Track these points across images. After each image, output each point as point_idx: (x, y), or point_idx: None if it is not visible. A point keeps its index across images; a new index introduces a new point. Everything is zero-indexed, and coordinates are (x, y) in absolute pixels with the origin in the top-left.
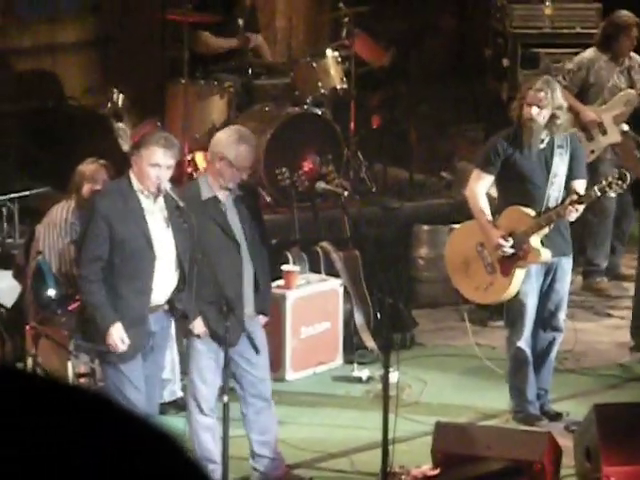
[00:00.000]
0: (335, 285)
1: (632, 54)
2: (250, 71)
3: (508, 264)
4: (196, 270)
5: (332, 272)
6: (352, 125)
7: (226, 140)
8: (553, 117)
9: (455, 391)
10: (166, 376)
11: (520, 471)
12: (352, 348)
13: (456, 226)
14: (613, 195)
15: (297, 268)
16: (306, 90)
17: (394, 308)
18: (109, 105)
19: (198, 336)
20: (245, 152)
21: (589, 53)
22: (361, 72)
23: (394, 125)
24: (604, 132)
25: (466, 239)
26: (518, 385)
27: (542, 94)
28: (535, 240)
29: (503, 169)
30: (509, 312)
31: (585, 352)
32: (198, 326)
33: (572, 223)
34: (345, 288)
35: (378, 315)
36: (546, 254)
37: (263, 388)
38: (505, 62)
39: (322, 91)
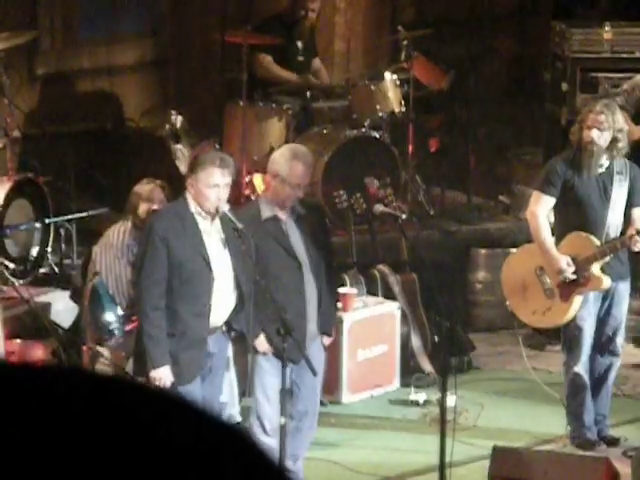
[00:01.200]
0: (392, 308)
1: None
2: (309, 94)
3: (568, 289)
4: (257, 289)
5: (389, 295)
6: (410, 148)
7: (280, 157)
8: (614, 141)
9: (512, 415)
10: (224, 399)
11: None
12: (409, 371)
13: (514, 250)
14: None
15: (354, 291)
16: (364, 113)
17: (451, 331)
18: (167, 127)
19: (263, 353)
20: (298, 169)
21: None
22: (419, 95)
23: (452, 149)
24: None
25: (525, 262)
26: (575, 410)
27: (603, 117)
28: (597, 267)
29: (562, 192)
30: (566, 337)
31: None
32: (262, 344)
33: (638, 253)
34: (402, 311)
35: (435, 338)
36: (607, 282)
37: (311, 407)
38: (564, 86)
39: (380, 114)
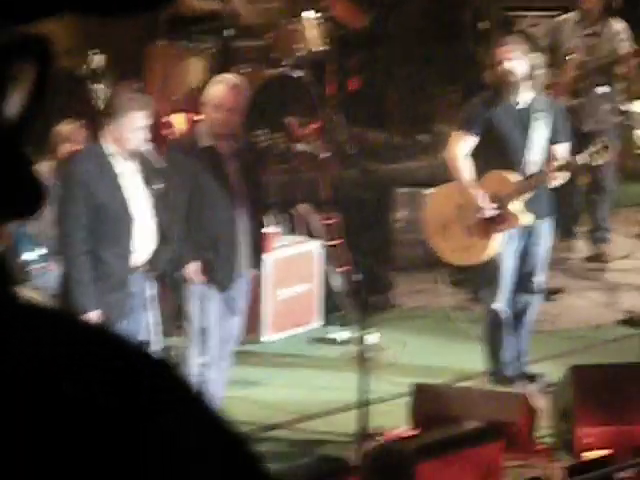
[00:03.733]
0: (313, 247)
1: (613, 20)
2: (228, 33)
3: (487, 227)
4: (190, 218)
5: (310, 234)
6: (330, 87)
7: (212, 85)
8: (532, 69)
9: (432, 353)
10: (147, 338)
11: (496, 432)
12: (330, 310)
13: (434, 189)
14: (596, 164)
15: (276, 230)
16: (284, 52)
17: (372, 270)
18: (86, 67)
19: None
20: (219, 89)
21: (564, 16)
22: (339, 34)
23: (372, 88)
24: None
25: (445, 201)
26: (494, 347)
27: (510, 46)
28: (516, 204)
29: (482, 131)
30: (486, 274)
31: (561, 314)
32: (192, 271)
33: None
34: (324, 250)
35: (356, 277)
36: (526, 219)
37: (231, 340)
38: (483, 25)
39: (300, 53)
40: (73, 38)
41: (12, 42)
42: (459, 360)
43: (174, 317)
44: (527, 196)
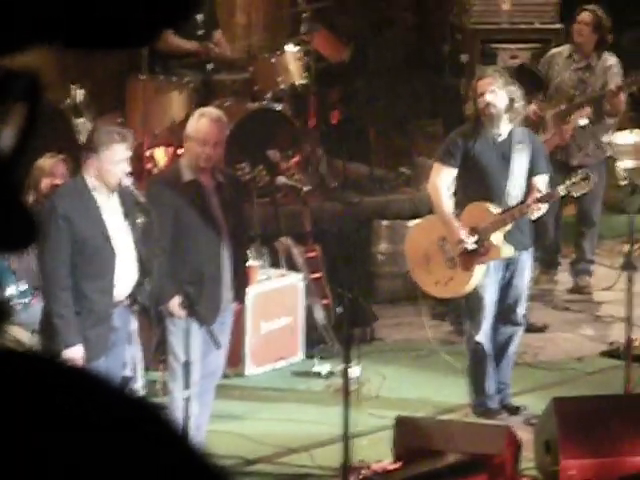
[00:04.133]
0: (295, 280)
1: (606, 54)
2: (209, 67)
3: (469, 259)
4: (175, 251)
5: (292, 267)
6: (311, 120)
7: (190, 120)
8: (511, 101)
9: (414, 385)
10: (128, 373)
11: (480, 465)
12: (312, 343)
13: (415, 221)
14: (577, 195)
15: (257, 263)
16: (265, 86)
17: (354, 303)
18: (68, 101)
19: (178, 317)
20: (203, 124)
21: (558, 48)
22: (320, 67)
23: (353, 121)
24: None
25: (427, 233)
26: (477, 379)
27: (490, 79)
28: (497, 236)
29: (463, 163)
30: (468, 306)
31: (544, 346)
32: (175, 306)
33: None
34: (306, 283)
35: (338, 310)
36: (507, 250)
37: (214, 373)
38: (463, 57)
39: (281, 86)
40: (54, 71)
41: (4, 78)
42: (441, 393)
43: (157, 351)
44: (508, 228)
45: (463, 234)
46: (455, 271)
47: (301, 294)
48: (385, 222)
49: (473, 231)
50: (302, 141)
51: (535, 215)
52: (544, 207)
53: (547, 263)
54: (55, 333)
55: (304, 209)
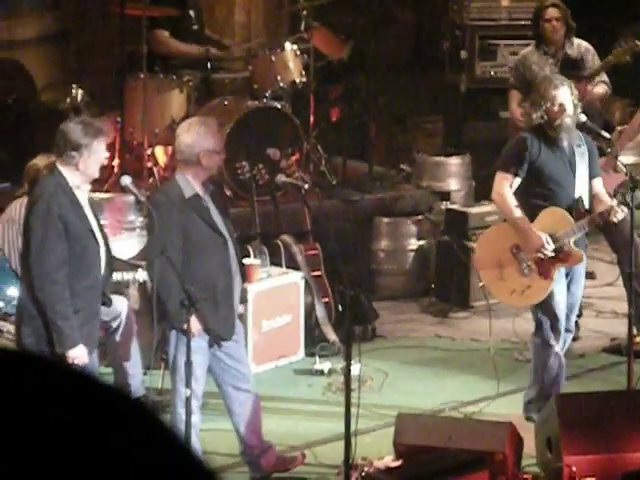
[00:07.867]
0: (296, 278)
1: (576, 41)
2: (209, 65)
3: (547, 266)
4: (185, 270)
5: (293, 265)
6: (311, 118)
7: (198, 135)
8: (576, 108)
9: (416, 382)
10: (130, 371)
11: (482, 462)
12: (314, 341)
13: (484, 231)
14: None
15: (258, 262)
16: (265, 84)
17: (355, 300)
18: (68, 101)
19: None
20: (216, 134)
21: (525, 50)
22: (320, 65)
23: (353, 118)
24: None
25: (498, 242)
26: (549, 390)
27: (568, 88)
28: (572, 242)
29: (527, 170)
30: (544, 315)
31: None
32: (195, 324)
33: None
34: (306, 281)
35: (339, 307)
36: (584, 257)
37: (246, 380)
38: (463, 54)
39: (281, 85)
40: (54, 72)
41: None
42: (443, 389)
43: (157, 351)
44: (582, 234)
45: (545, 241)
46: (532, 279)
47: (301, 292)
48: (386, 219)
49: (551, 237)
50: (302, 139)
51: (618, 218)
52: (626, 209)
53: None
54: (59, 334)
55: (304, 207)
